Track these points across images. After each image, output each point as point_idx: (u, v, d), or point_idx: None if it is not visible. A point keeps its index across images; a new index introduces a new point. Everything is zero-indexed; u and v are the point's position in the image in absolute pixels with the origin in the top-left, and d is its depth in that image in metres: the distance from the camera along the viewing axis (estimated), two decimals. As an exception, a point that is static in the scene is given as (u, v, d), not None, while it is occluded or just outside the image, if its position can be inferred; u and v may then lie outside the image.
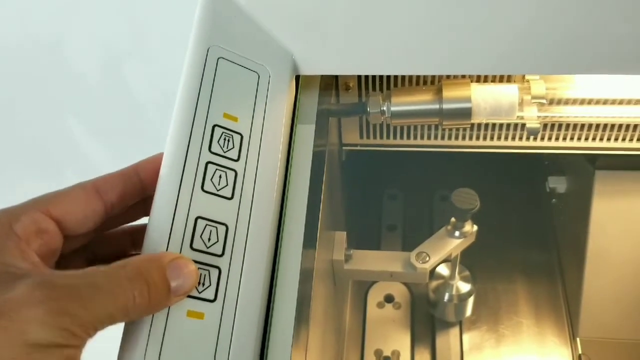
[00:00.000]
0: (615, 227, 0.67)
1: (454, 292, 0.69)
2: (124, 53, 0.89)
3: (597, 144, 0.60)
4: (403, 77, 0.57)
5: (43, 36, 0.86)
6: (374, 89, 0.58)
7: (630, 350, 0.69)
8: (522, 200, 0.81)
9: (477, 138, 0.62)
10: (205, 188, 0.39)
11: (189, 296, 0.36)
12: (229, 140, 0.41)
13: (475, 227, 0.62)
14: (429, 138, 0.63)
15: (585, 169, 0.67)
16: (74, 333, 0.29)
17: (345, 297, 0.74)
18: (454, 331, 0.73)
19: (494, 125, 0.61)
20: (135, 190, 0.40)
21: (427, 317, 0.74)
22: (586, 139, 0.60)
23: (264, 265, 0.39)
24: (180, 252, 0.36)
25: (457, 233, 0.61)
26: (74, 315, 0.29)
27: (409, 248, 0.63)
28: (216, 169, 0.40)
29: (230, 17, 0.45)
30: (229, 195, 0.40)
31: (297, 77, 0.48)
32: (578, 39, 0.43)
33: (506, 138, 0.62)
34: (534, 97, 0.51)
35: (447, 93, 0.50)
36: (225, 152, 0.41)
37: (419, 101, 0.51)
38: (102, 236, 0.41)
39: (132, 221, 0.43)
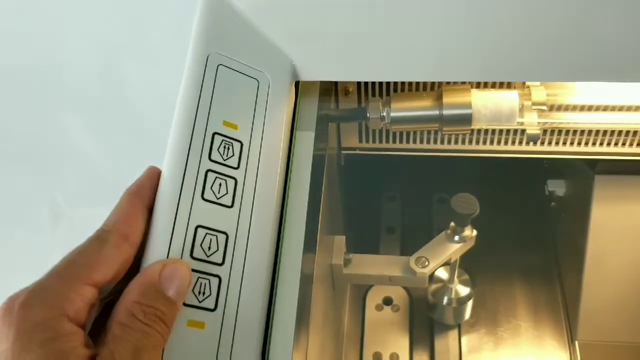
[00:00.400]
0: (614, 231, 0.67)
1: (452, 295, 0.69)
2: (122, 52, 0.88)
3: (597, 149, 0.60)
4: (403, 82, 0.57)
5: (42, 35, 0.86)
6: (373, 94, 0.58)
7: (628, 353, 0.69)
8: (521, 203, 0.81)
9: (477, 142, 0.62)
10: (206, 196, 0.39)
11: (190, 305, 0.35)
12: (228, 148, 0.41)
13: (475, 232, 0.62)
14: (428, 142, 0.64)
15: (584, 174, 0.67)
16: None
17: (343, 300, 0.74)
18: (453, 334, 0.73)
19: (493, 130, 0.61)
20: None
21: (426, 319, 0.74)
22: (586, 144, 0.60)
23: (264, 273, 0.39)
24: (181, 261, 0.36)
25: (456, 238, 0.61)
26: None
27: (407, 252, 0.63)
28: (216, 177, 0.40)
29: (229, 24, 0.45)
30: (229, 204, 0.39)
31: (297, 83, 0.48)
32: (578, 47, 0.43)
33: (506, 142, 0.62)
34: (534, 104, 0.51)
35: (448, 99, 0.50)
36: (225, 160, 0.41)
37: (419, 107, 0.51)
38: None
39: None
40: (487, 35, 0.43)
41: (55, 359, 0.30)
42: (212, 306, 0.36)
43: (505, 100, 0.50)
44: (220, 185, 0.40)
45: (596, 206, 0.66)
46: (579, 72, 0.45)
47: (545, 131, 0.60)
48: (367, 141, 0.64)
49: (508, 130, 0.61)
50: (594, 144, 0.60)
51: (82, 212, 1.03)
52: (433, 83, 0.55)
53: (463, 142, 0.62)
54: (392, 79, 0.48)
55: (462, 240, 0.61)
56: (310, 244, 0.44)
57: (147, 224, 0.38)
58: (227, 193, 0.40)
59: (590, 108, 0.53)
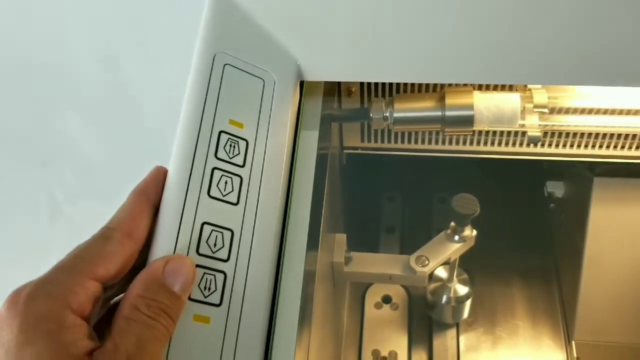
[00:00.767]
0: (612, 233, 0.68)
1: (451, 294, 0.70)
2: (124, 49, 0.89)
3: (596, 151, 0.61)
4: (405, 83, 0.57)
5: (43, 31, 0.86)
6: (376, 94, 0.59)
7: (625, 353, 0.69)
8: (520, 204, 0.82)
9: (478, 143, 0.63)
10: (212, 194, 0.39)
11: (196, 300, 0.36)
12: (234, 147, 0.42)
13: (475, 232, 0.62)
14: (429, 143, 0.64)
15: (584, 176, 0.67)
16: None
17: (343, 297, 0.75)
18: (451, 332, 0.73)
19: (494, 131, 0.62)
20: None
21: (425, 318, 0.75)
22: (586, 146, 0.61)
23: (268, 270, 0.40)
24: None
25: (456, 237, 0.62)
26: None
27: (407, 251, 0.63)
28: (222, 175, 0.40)
29: (236, 23, 0.46)
30: (235, 201, 0.40)
31: (301, 83, 0.49)
32: (580, 50, 0.44)
33: (506, 144, 0.63)
34: (536, 106, 0.51)
35: (450, 100, 0.51)
36: (231, 158, 0.41)
37: (421, 108, 0.52)
38: None
39: None
40: (490, 38, 0.44)
41: (58, 350, 0.31)
42: (217, 301, 0.37)
43: (507, 102, 0.51)
44: (226, 182, 0.40)
45: (595, 208, 0.66)
46: (580, 76, 0.45)
47: (545, 133, 0.61)
48: (369, 141, 0.65)
49: (509, 132, 0.62)
50: (593, 146, 0.61)
51: (81, 207, 1.03)
52: (435, 84, 0.56)
53: (464, 143, 0.63)
54: (395, 80, 0.49)
55: (462, 240, 0.62)
56: (313, 242, 0.44)
57: (152, 222, 0.38)
58: (232, 190, 0.40)
59: (590, 111, 0.54)
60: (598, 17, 0.42)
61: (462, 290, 0.71)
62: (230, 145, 0.42)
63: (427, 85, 0.57)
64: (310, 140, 0.48)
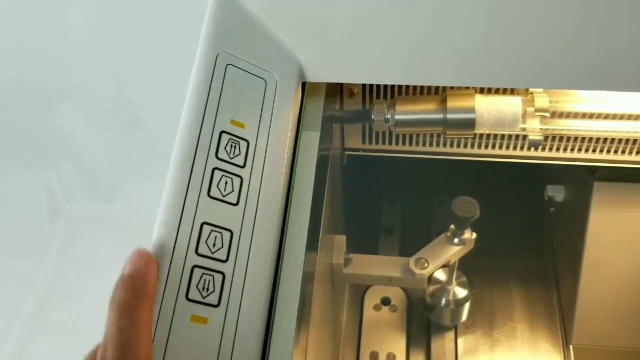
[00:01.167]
0: (612, 237, 0.68)
1: (450, 297, 0.70)
2: (123, 48, 0.89)
3: (596, 155, 0.61)
4: (407, 85, 0.57)
5: (41, 30, 0.86)
6: (377, 96, 0.59)
7: (622, 358, 0.69)
8: (520, 208, 0.82)
9: (479, 146, 0.63)
10: (212, 194, 0.39)
11: (194, 301, 0.36)
12: (235, 147, 0.42)
13: (474, 235, 0.62)
14: (430, 145, 0.64)
15: (584, 180, 0.67)
16: None
17: (342, 299, 0.75)
18: (450, 335, 0.73)
19: (495, 134, 0.62)
20: None
21: (423, 320, 0.75)
22: (586, 150, 0.61)
23: (267, 271, 0.40)
24: (186, 256, 0.37)
25: (456, 240, 0.62)
26: None
27: (406, 254, 0.63)
28: (222, 175, 0.40)
29: (238, 24, 0.46)
30: (235, 202, 0.40)
31: (303, 84, 0.49)
32: (581, 55, 0.44)
33: (507, 147, 0.63)
34: (537, 110, 0.51)
35: (452, 103, 0.51)
36: (231, 159, 0.41)
37: (423, 110, 0.52)
38: None
39: None
40: (492, 41, 0.44)
41: None
42: (215, 302, 0.37)
43: (509, 105, 0.51)
44: (226, 183, 0.40)
45: (594, 212, 0.66)
46: (581, 81, 0.45)
47: (546, 137, 0.61)
48: (370, 142, 0.65)
49: (510, 135, 0.62)
50: (594, 151, 0.61)
51: (81, 207, 1.03)
52: (437, 87, 0.56)
53: (465, 146, 0.63)
54: (397, 82, 0.49)
55: (462, 242, 0.62)
56: (312, 243, 0.44)
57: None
58: (232, 191, 0.40)
59: (591, 116, 0.54)
60: (600, 22, 0.42)
61: (461, 292, 0.71)
62: (231, 146, 0.41)
63: (429, 87, 0.57)
64: (311, 141, 0.48)
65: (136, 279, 0.33)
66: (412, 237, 0.82)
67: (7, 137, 1.04)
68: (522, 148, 0.63)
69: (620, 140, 0.58)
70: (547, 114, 0.51)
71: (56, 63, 0.92)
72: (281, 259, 0.42)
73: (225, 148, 0.41)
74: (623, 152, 0.59)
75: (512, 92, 0.55)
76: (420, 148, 0.64)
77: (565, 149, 0.62)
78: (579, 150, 0.61)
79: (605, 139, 0.59)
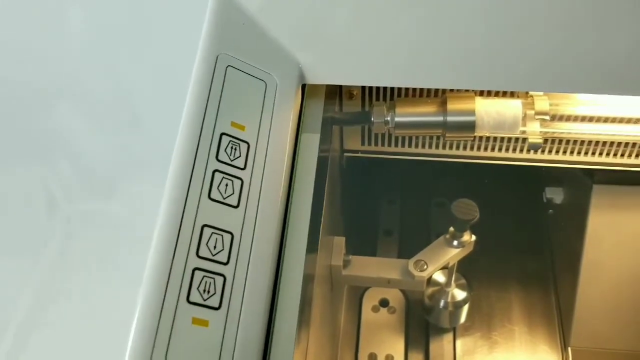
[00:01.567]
0: (611, 240, 0.68)
1: (449, 299, 0.70)
2: (123, 47, 0.89)
3: (596, 159, 0.61)
4: (407, 88, 0.57)
5: (39, 26, 0.86)
6: (377, 98, 0.59)
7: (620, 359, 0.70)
8: (519, 210, 0.82)
9: (478, 149, 0.63)
10: (212, 196, 0.39)
11: (195, 303, 0.36)
12: (235, 149, 0.42)
13: (474, 237, 0.62)
14: (430, 147, 0.64)
15: (583, 183, 0.67)
16: None
17: (340, 300, 0.75)
18: (448, 337, 0.73)
19: (495, 137, 0.62)
20: None
21: (422, 322, 0.75)
22: (585, 153, 0.61)
23: (268, 273, 0.40)
24: (187, 259, 0.37)
25: (455, 242, 0.62)
26: None
27: (404, 256, 0.63)
28: (223, 177, 0.40)
29: (239, 25, 0.46)
30: (235, 204, 0.40)
31: (303, 86, 0.48)
32: (581, 59, 0.44)
33: (507, 150, 0.63)
34: (537, 113, 0.51)
35: (452, 106, 0.51)
36: (232, 161, 0.41)
37: (423, 113, 0.52)
38: None
39: None
40: (492, 44, 0.44)
41: None
42: (216, 305, 0.37)
43: (509, 108, 0.51)
44: (227, 185, 0.40)
45: (593, 214, 0.66)
46: (581, 84, 0.45)
47: (545, 140, 0.61)
48: (370, 144, 0.65)
49: (509, 138, 0.62)
50: (593, 153, 0.61)
51: (79, 206, 1.03)
52: (437, 89, 0.56)
53: (464, 148, 0.63)
54: (397, 85, 0.49)
55: (461, 245, 0.62)
56: (312, 245, 0.44)
57: None
58: (233, 193, 0.40)
59: (591, 119, 0.54)
60: (600, 26, 0.42)
61: (460, 295, 0.71)
62: (232, 148, 0.41)
63: (429, 90, 0.57)
64: (311, 143, 0.48)
65: None
66: (411, 238, 0.82)
67: (5, 134, 1.03)
68: (521, 150, 0.63)
69: (619, 143, 0.58)
70: (547, 117, 0.51)
71: (55, 61, 0.92)
72: (282, 261, 0.42)
73: (225, 150, 0.41)
74: (622, 155, 0.59)
75: (512, 95, 0.55)
76: (420, 150, 0.65)
77: (564, 152, 0.62)
78: (578, 153, 0.61)
79: (605, 142, 0.59)
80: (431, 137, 0.64)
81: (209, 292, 0.37)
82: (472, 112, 0.51)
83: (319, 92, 0.50)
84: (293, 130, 0.46)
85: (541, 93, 0.52)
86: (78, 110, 0.99)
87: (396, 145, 0.65)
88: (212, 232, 0.38)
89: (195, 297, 0.36)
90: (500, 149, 0.63)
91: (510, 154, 0.63)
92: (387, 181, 0.83)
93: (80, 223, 1.01)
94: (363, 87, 0.59)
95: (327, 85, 0.51)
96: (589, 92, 0.46)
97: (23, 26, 0.87)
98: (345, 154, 0.66)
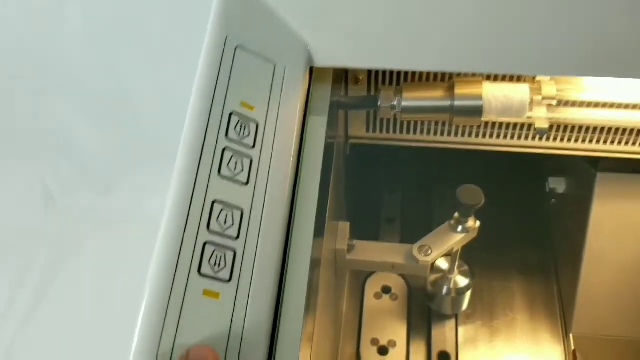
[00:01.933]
0: (614, 228, 0.68)
1: (452, 285, 0.71)
2: (121, 40, 0.89)
3: (600, 146, 0.61)
4: (414, 73, 0.58)
5: (38, 19, 0.86)
6: (383, 83, 0.59)
7: (622, 347, 0.70)
8: (521, 200, 0.82)
9: (483, 136, 0.63)
10: (222, 173, 0.40)
11: (206, 276, 0.37)
12: (245, 128, 0.42)
13: (478, 223, 0.63)
14: (435, 134, 0.64)
15: (586, 171, 0.68)
16: None
17: (343, 287, 0.75)
18: (450, 324, 0.74)
19: (500, 124, 0.62)
20: None
21: (424, 309, 0.75)
22: (590, 141, 0.61)
23: (277, 248, 0.40)
24: (198, 233, 0.37)
25: (460, 228, 0.62)
26: None
27: (407, 242, 0.64)
28: (232, 155, 0.41)
29: (248, 8, 0.46)
30: (245, 181, 0.40)
31: (311, 69, 0.49)
32: (588, 41, 0.44)
33: (512, 137, 0.63)
34: (544, 98, 0.52)
35: (459, 90, 0.51)
36: (241, 139, 0.42)
37: (430, 97, 0.52)
38: None
39: None
40: (501, 27, 0.44)
41: None
42: (227, 278, 0.37)
43: (517, 93, 0.51)
44: (236, 163, 0.41)
45: (597, 203, 0.67)
46: (589, 67, 0.45)
47: (551, 127, 0.61)
48: (374, 131, 0.65)
49: (514, 126, 0.62)
50: (598, 141, 0.61)
51: (75, 199, 1.04)
52: (444, 74, 0.56)
53: (469, 135, 0.63)
54: (404, 68, 0.49)
55: (465, 230, 0.62)
56: (319, 226, 0.45)
57: None
58: (242, 171, 0.41)
59: (597, 105, 0.54)
60: (608, 7, 0.42)
61: (463, 282, 0.71)
62: (241, 127, 0.42)
63: (436, 75, 0.57)
64: (318, 125, 0.48)
65: None
66: (413, 226, 0.82)
67: (4, 130, 1.04)
68: (526, 138, 0.63)
69: (624, 130, 0.58)
70: (554, 102, 0.52)
71: (52, 55, 0.92)
72: (290, 240, 0.42)
73: (235, 129, 0.42)
74: (627, 143, 0.60)
75: (519, 80, 0.55)
76: (424, 137, 0.65)
77: (569, 140, 0.62)
78: (583, 141, 0.62)
79: (610, 130, 0.59)
80: (436, 124, 0.64)
81: (219, 265, 0.37)
82: (479, 97, 0.51)
83: (326, 76, 0.51)
84: (301, 112, 0.46)
85: (548, 78, 0.53)
86: (75, 104, 0.99)
87: (401, 132, 0.65)
88: (223, 208, 0.39)
89: (206, 269, 0.37)
90: (505, 137, 0.63)
91: (515, 141, 0.63)
92: (390, 169, 0.83)
93: (76, 216, 1.01)
94: (369, 73, 0.59)
95: (334, 70, 0.52)
96: (597, 75, 0.46)
97: (23, 23, 0.87)
98: (350, 141, 0.67)
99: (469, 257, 0.71)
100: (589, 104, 0.54)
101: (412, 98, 0.53)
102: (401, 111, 0.53)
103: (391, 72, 0.58)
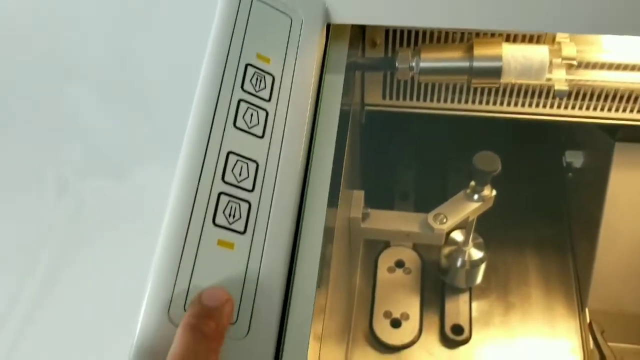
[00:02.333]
0: (631, 200, 0.67)
1: (466, 258, 0.70)
2: (132, 23, 0.88)
3: (619, 114, 0.60)
4: (431, 34, 0.56)
5: (52, 9, 0.86)
6: (401, 45, 0.58)
7: (638, 322, 0.69)
8: (537, 174, 0.81)
9: (501, 104, 0.62)
10: (237, 125, 0.39)
11: (220, 226, 0.36)
12: (261, 80, 0.41)
13: (494, 192, 0.62)
14: (452, 102, 0.63)
15: (604, 142, 0.67)
16: None
17: (356, 260, 0.74)
18: (464, 297, 0.73)
19: (518, 91, 0.61)
20: None
21: (437, 283, 0.75)
22: (609, 109, 0.60)
23: (292, 202, 0.39)
24: (212, 183, 0.37)
25: (475, 197, 0.61)
26: None
27: (422, 211, 0.63)
28: (248, 107, 0.40)
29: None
30: (260, 134, 0.40)
31: (328, 26, 0.48)
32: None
33: (529, 105, 0.62)
34: (564, 59, 0.51)
35: (478, 51, 0.50)
36: (257, 92, 0.41)
37: (448, 58, 0.51)
38: None
39: None
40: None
41: None
42: (241, 229, 0.36)
43: (536, 53, 0.50)
44: (252, 115, 0.40)
45: (615, 173, 0.66)
46: (609, 25, 0.44)
47: (569, 95, 0.60)
48: (391, 98, 0.64)
49: (532, 93, 0.61)
50: (617, 110, 0.60)
51: (89, 185, 1.03)
52: (462, 36, 0.55)
53: (487, 103, 0.62)
54: (423, 25, 0.48)
55: (481, 199, 0.61)
56: (335, 183, 0.44)
57: None
58: (258, 123, 0.40)
59: (618, 67, 0.53)
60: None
61: (477, 254, 0.70)
62: (257, 79, 0.41)
63: (454, 37, 0.56)
64: (335, 83, 0.47)
65: (214, 309, 0.33)
66: (427, 197, 0.81)
67: (16, 113, 1.03)
68: (544, 106, 0.62)
69: (644, 97, 0.57)
70: (575, 62, 0.51)
71: (66, 39, 0.91)
72: (305, 196, 0.41)
73: (250, 81, 0.41)
74: (646, 110, 0.59)
75: (539, 42, 0.54)
76: (441, 104, 0.64)
77: (587, 108, 0.61)
78: (602, 109, 0.60)
79: (629, 97, 0.58)
80: (453, 92, 0.63)
81: (234, 216, 0.37)
82: (499, 57, 0.50)
83: (343, 34, 0.50)
84: (317, 69, 0.45)
85: (568, 39, 0.52)
86: (89, 89, 0.99)
87: (417, 100, 0.64)
88: (238, 160, 0.38)
89: (220, 220, 0.36)
90: (523, 105, 0.62)
91: (532, 109, 0.62)
92: (406, 140, 0.82)
93: (90, 201, 1.01)
94: (386, 35, 0.58)
95: (351, 32, 0.51)
96: (616, 33, 0.45)
97: (35, 7, 0.86)
98: (366, 108, 0.66)
99: (484, 230, 0.70)
100: (609, 66, 0.53)
101: (431, 59, 0.52)
102: (419, 72, 0.52)
103: (408, 35, 0.57)
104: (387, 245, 0.78)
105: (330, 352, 0.52)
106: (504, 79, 0.51)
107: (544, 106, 0.62)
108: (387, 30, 0.57)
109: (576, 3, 0.43)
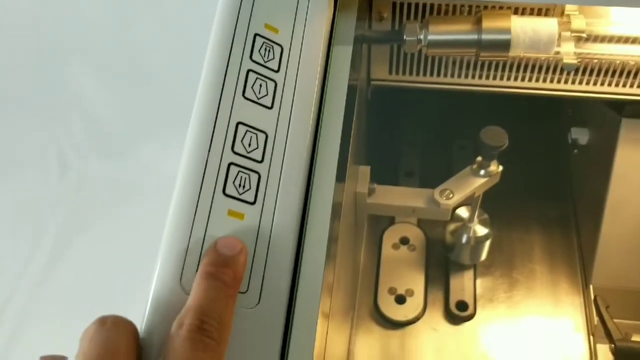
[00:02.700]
0: (637, 176, 0.67)
1: (471, 234, 0.70)
2: (136, 8, 0.88)
3: (626, 89, 0.60)
4: (439, 7, 0.56)
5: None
6: (408, 18, 0.58)
7: (642, 299, 0.69)
8: (543, 151, 0.81)
9: (508, 79, 0.62)
10: (247, 95, 0.39)
11: (230, 196, 0.36)
12: (269, 51, 0.41)
13: (501, 168, 0.61)
14: (458, 77, 0.63)
15: (611, 117, 0.66)
16: None
17: (361, 237, 0.74)
18: (469, 274, 0.73)
19: (525, 66, 0.60)
20: None
21: (442, 260, 0.75)
22: (616, 85, 0.60)
23: (301, 174, 0.39)
24: (222, 153, 0.36)
25: (482, 172, 0.61)
26: None
27: (427, 187, 0.63)
28: (257, 78, 0.40)
29: None
30: (269, 105, 0.40)
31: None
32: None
33: (537, 80, 0.61)
34: (573, 31, 0.50)
35: (487, 23, 0.50)
36: (265, 62, 0.40)
37: (457, 30, 0.51)
38: None
39: None
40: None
41: None
42: (251, 199, 0.36)
43: (545, 26, 0.50)
44: (260, 85, 0.40)
45: (621, 150, 0.65)
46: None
47: (576, 70, 0.60)
48: (397, 73, 0.64)
49: (540, 68, 0.61)
50: (624, 85, 0.60)
51: (90, 164, 1.04)
52: (470, 9, 0.55)
53: (494, 78, 0.62)
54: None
55: (488, 175, 0.61)
56: (343, 157, 0.43)
57: None
58: (267, 94, 0.40)
59: (627, 40, 0.53)
60: None
61: (482, 230, 0.70)
62: (265, 49, 0.41)
63: (462, 8, 0.55)
64: (343, 55, 0.47)
65: (230, 258, 0.34)
66: (432, 174, 0.81)
67: (19, 93, 1.03)
68: (551, 81, 0.61)
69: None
70: (584, 35, 0.50)
71: (67, 18, 0.91)
72: (313, 169, 0.41)
73: (259, 51, 0.40)
74: (654, 85, 0.58)
75: (547, 15, 0.53)
76: (447, 79, 0.63)
77: (594, 83, 0.60)
78: (609, 84, 0.60)
79: (637, 73, 0.58)
80: (460, 67, 0.62)
81: (244, 187, 0.36)
82: (507, 30, 0.50)
83: (351, 7, 0.49)
84: (326, 40, 0.45)
85: (577, 12, 0.51)
86: (90, 70, 0.98)
87: (424, 74, 0.64)
88: (247, 130, 0.38)
89: (230, 190, 0.36)
90: (530, 79, 0.61)
91: (540, 84, 0.61)
92: (412, 113, 0.82)
93: (90, 180, 1.01)
94: (394, 8, 0.57)
95: (359, 4, 0.50)
96: (625, 4, 0.45)
97: None
98: (372, 83, 0.65)
99: (489, 207, 0.70)
100: (618, 39, 0.53)
101: (439, 32, 0.51)
102: (427, 45, 0.51)
103: (416, 8, 0.57)
104: (391, 222, 0.78)
105: (336, 327, 0.52)
106: (513, 52, 0.51)
107: (551, 81, 0.62)
108: (394, 3, 0.57)
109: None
